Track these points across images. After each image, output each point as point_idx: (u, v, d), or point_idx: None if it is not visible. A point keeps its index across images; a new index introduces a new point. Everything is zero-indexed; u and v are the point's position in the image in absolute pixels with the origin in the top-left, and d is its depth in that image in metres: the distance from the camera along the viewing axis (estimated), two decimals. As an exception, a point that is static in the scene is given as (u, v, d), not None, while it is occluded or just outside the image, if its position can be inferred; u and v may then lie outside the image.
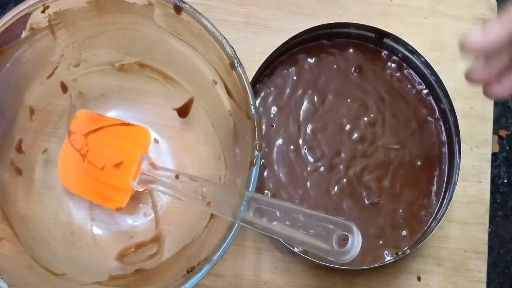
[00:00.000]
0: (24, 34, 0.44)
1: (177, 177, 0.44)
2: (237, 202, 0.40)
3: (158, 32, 0.47)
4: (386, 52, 0.54)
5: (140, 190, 0.47)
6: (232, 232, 0.40)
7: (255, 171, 0.41)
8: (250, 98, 0.43)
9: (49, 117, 0.52)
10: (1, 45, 0.44)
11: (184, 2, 0.44)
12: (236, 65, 0.43)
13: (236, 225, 0.40)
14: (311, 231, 0.37)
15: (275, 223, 0.38)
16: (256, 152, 0.42)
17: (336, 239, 0.36)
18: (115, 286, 0.47)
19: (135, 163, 0.46)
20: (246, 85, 0.43)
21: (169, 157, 0.52)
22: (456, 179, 0.49)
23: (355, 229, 0.35)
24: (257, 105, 0.52)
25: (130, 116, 0.52)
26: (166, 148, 0.53)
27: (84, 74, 0.51)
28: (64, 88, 0.51)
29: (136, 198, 0.50)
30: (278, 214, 0.38)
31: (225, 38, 0.43)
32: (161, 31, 0.47)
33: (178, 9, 0.44)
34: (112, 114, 0.53)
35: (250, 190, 0.41)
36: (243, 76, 0.43)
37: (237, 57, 0.43)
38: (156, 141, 0.52)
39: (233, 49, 0.43)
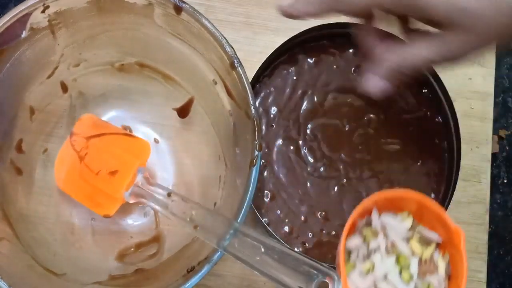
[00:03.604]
0: (24, 34, 0.44)
1: (169, 195, 0.44)
2: (223, 230, 0.40)
3: (158, 32, 0.47)
4: (386, 52, 0.54)
5: (131, 201, 0.47)
6: (240, 219, 0.40)
7: (255, 171, 0.42)
8: (250, 98, 0.43)
9: (49, 117, 0.52)
10: (1, 45, 0.44)
11: (184, 2, 0.44)
12: (236, 65, 0.43)
13: None
14: (293, 273, 0.37)
15: (257, 258, 0.38)
16: (256, 152, 0.42)
17: (317, 285, 0.36)
18: (115, 286, 0.47)
19: (131, 174, 0.46)
20: (246, 85, 0.43)
21: (169, 157, 0.52)
22: (456, 179, 0.49)
23: (336, 278, 0.36)
24: (257, 105, 0.52)
25: (130, 116, 0.52)
26: (166, 148, 0.53)
27: (84, 74, 0.51)
28: (64, 88, 0.51)
29: (136, 198, 0.51)
30: (262, 249, 0.38)
31: (225, 38, 0.43)
32: (161, 31, 0.47)
33: (178, 9, 0.44)
34: (112, 114, 0.53)
35: (239, 220, 0.40)
36: (243, 76, 0.43)
37: (237, 57, 0.43)
38: (156, 141, 0.52)
39: (233, 49, 0.43)
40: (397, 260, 0.41)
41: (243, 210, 0.41)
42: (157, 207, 0.45)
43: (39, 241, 0.48)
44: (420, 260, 0.41)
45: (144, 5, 0.45)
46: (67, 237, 0.50)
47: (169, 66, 0.51)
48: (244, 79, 0.43)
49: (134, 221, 0.51)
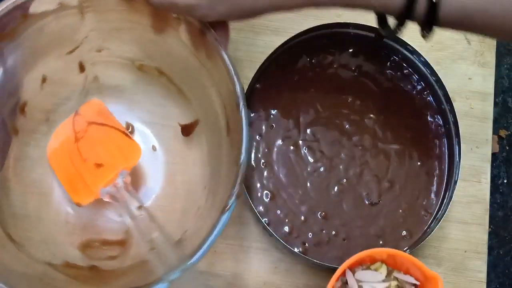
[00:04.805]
0: (52, 7, 0.45)
1: (139, 208, 0.44)
2: (174, 265, 0.39)
3: (181, 46, 0.47)
4: (386, 52, 0.54)
5: (105, 199, 0.47)
6: (193, 260, 0.39)
7: (224, 218, 0.40)
8: (244, 145, 0.42)
9: (59, 90, 0.52)
10: (26, 10, 0.44)
11: (210, 29, 0.43)
12: (239, 107, 0.42)
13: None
14: None
15: None
16: (232, 200, 0.41)
17: None
18: (64, 274, 0.47)
19: (113, 173, 0.47)
20: (244, 129, 0.42)
21: (161, 168, 0.52)
22: (456, 179, 0.49)
23: None
24: (256, 106, 0.52)
25: (137, 116, 0.53)
26: (162, 159, 0.52)
27: (104, 61, 0.52)
28: (81, 68, 0.52)
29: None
30: None
31: (237, 78, 0.43)
32: (184, 46, 0.47)
33: (202, 33, 0.44)
34: (120, 107, 0.53)
35: (195, 259, 0.39)
36: (243, 120, 0.42)
37: (244, 99, 0.42)
38: (154, 148, 0.52)
39: (243, 90, 0.43)
40: None
41: (200, 252, 0.39)
42: (123, 215, 0.45)
43: (11, 203, 0.48)
44: None
45: (173, 17, 0.45)
46: (41, 207, 0.50)
47: (184, 82, 0.51)
48: (243, 123, 0.42)
49: (109, 218, 0.50)
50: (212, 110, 0.47)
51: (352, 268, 0.44)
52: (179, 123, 0.52)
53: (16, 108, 0.49)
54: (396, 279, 0.44)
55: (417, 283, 0.44)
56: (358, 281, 0.44)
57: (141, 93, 0.53)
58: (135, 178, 0.49)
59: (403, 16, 0.40)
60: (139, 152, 0.49)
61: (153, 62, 0.51)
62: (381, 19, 0.43)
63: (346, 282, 0.44)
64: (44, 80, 0.50)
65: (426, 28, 0.40)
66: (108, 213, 0.51)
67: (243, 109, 0.42)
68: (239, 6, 0.40)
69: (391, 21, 0.42)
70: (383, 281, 0.44)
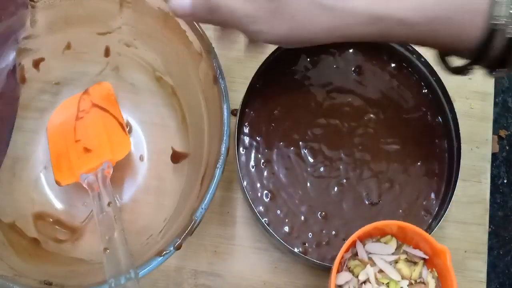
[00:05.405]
0: None
1: (109, 204, 0.44)
2: (123, 270, 0.39)
3: (196, 80, 0.47)
4: (386, 52, 0.54)
5: (84, 185, 0.47)
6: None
7: (158, 261, 0.40)
8: (204, 204, 0.41)
9: (79, 62, 0.53)
10: None
11: (223, 79, 0.43)
12: (216, 167, 0.42)
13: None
14: None
15: None
16: (171, 248, 0.40)
17: None
18: (4, 235, 0.47)
19: (98, 162, 0.47)
20: (210, 190, 0.42)
21: (141, 178, 0.52)
22: (456, 179, 0.49)
23: None
24: (256, 106, 0.52)
25: (140, 120, 0.53)
26: (144, 171, 0.52)
27: (129, 57, 0.53)
28: (107, 53, 0.52)
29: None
30: None
31: (227, 136, 0.43)
32: (199, 83, 0.47)
33: (215, 79, 0.44)
34: (128, 104, 0.53)
35: (138, 275, 0.39)
36: (214, 180, 0.42)
37: (223, 161, 0.42)
38: (141, 158, 0.52)
39: (226, 151, 0.42)
40: (388, 286, 0.42)
41: (146, 269, 0.39)
42: (94, 205, 0.45)
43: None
44: (410, 281, 0.43)
45: (197, 52, 0.46)
46: (14, 166, 0.50)
47: (190, 114, 0.51)
48: (213, 183, 0.42)
49: (74, 202, 0.50)
50: (200, 153, 0.48)
51: (363, 240, 0.44)
52: (173, 147, 0.52)
53: (31, 61, 0.50)
54: (406, 252, 0.44)
55: (426, 257, 0.44)
56: (368, 252, 0.44)
57: (152, 101, 0.53)
58: (115, 176, 0.49)
59: (479, 53, 0.35)
60: (128, 147, 0.49)
61: (171, 81, 0.52)
62: (444, 57, 0.39)
63: (356, 254, 0.44)
64: (68, 46, 0.51)
65: (497, 69, 0.36)
66: (76, 196, 0.50)
67: (218, 170, 0.42)
68: (302, 29, 0.35)
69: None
70: (393, 254, 0.44)
